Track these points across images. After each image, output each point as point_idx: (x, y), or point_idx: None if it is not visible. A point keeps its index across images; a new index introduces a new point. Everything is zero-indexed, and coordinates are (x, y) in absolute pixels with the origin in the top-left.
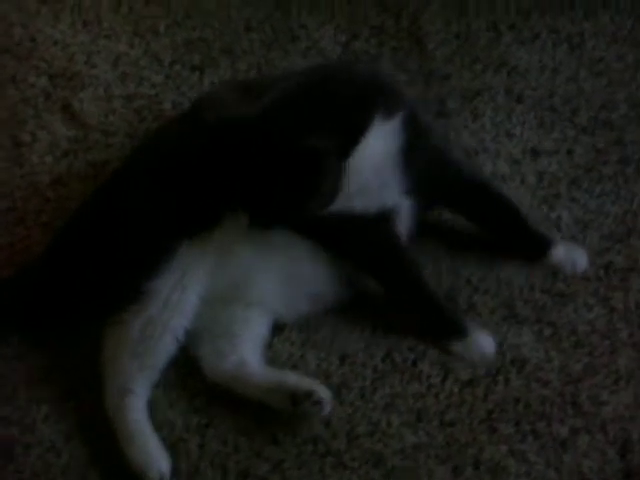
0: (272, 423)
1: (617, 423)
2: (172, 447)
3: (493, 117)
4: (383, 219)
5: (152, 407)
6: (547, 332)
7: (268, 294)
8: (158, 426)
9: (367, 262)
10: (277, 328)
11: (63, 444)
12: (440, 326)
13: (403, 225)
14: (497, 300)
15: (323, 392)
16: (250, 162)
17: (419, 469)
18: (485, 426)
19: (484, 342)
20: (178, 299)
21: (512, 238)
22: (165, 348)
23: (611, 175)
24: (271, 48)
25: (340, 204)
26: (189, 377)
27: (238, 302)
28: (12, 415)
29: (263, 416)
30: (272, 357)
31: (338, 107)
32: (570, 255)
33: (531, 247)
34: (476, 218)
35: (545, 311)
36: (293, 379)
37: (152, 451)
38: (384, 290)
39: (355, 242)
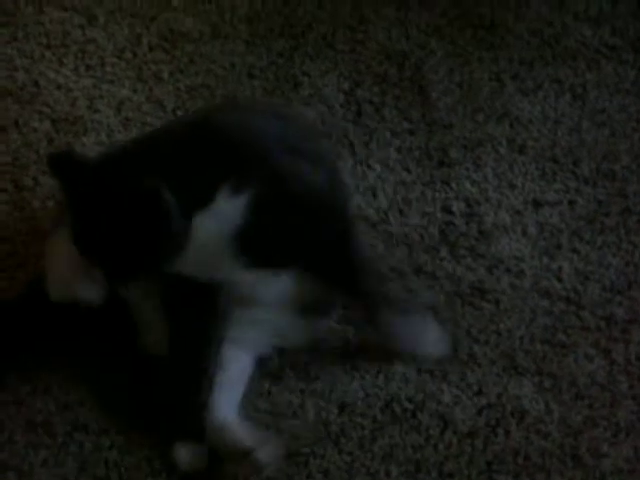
0: (269, 473)
1: (617, 476)
2: None
3: (495, 167)
4: (209, 289)
5: None
6: (547, 383)
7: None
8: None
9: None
10: (275, 377)
11: None
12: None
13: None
14: (497, 351)
15: (264, 452)
16: (91, 207)
17: None
18: (484, 477)
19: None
20: None
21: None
22: None
23: (613, 226)
24: (274, 95)
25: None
26: None
27: None
28: (9, 460)
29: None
30: (270, 405)
31: (191, 161)
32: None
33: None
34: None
35: (545, 362)
36: (240, 435)
37: None
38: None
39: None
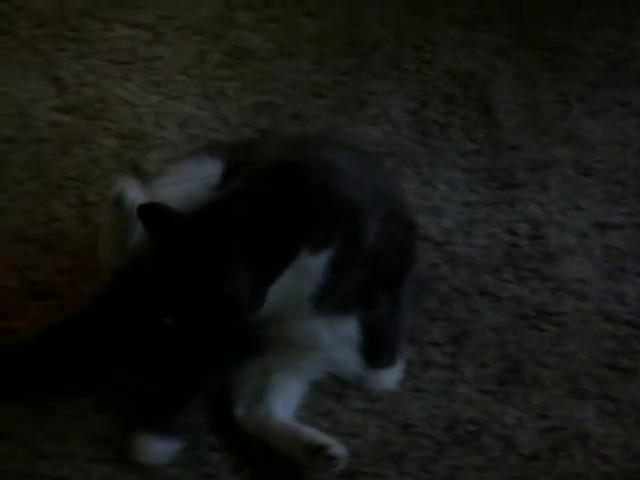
0: None
1: None
2: None
3: (560, 189)
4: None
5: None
6: (610, 407)
7: None
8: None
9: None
10: (338, 396)
11: None
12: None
13: None
14: (561, 374)
15: (337, 448)
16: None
17: None
18: None
19: None
20: None
21: None
22: None
23: None
24: (339, 114)
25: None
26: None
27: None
28: (72, 475)
29: None
30: (332, 424)
31: (272, 220)
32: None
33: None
34: None
35: (609, 386)
36: (309, 433)
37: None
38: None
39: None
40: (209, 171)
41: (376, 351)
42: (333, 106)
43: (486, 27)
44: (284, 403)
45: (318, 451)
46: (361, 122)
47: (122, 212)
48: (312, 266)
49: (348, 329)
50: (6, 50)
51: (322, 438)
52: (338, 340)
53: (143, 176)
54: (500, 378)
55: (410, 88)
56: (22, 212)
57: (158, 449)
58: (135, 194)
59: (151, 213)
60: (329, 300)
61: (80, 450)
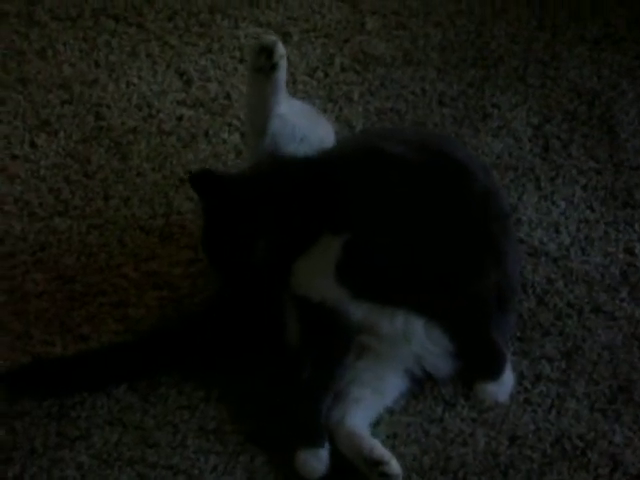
0: None
1: None
2: None
3: None
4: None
5: None
6: None
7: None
8: None
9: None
10: (448, 403)
11: None
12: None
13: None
14: None
15: (392, 466)
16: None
17: None
18: None
19: None
20: None
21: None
22: None
23: None
24: (462, 124)
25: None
26: None
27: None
28: (180, 464)
29: None
30: (441, 431)
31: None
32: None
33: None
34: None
35: None
36: (370, 445)
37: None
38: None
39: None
40: (328, 133)
41: (482, 360)
42: (456, 116)
43: (613, 47)
44: (359, 411)
45: (374, 465)
46: (483, 134)
47: (268, 69)
48: (334, 244)
49: (412, 320)
50: (135, 42)
51: (380, 453)
52: (430, 337)
53: None
54: (610, 396)
55: (534, 103)
56: (143, 202)
57: (320, 459)
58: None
59: (203, 179)
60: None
61: (190, 440)
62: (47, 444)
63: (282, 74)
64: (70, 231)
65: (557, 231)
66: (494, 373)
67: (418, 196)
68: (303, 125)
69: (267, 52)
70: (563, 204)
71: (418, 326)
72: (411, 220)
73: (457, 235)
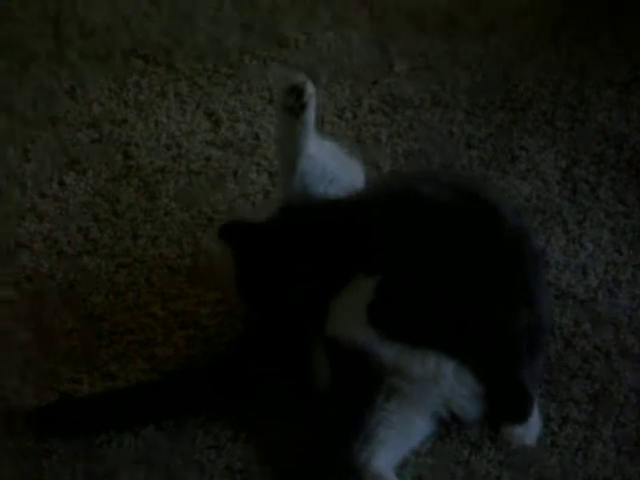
0: None
1: None
2: None
3: None
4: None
5: None
6: None
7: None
8: None
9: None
10: (475, 445)
11: None
12: None
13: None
14: None
15: None
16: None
17: None
18: None
19: None
20: None
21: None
22: None
23: None
24: (490, 167)
25: None
26: None
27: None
28: None
29: None
30: (467, 474)
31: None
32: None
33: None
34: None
35: None
36: None
37: None
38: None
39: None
40: (358, 174)
41: (510, 403)
42: (484, 158)
43: None
44: (385, 453)
45: None
46: (511, 176)
47: (298, 109)
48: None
49: (442, 363)
50: (164, 82)
51: None
52: (460, 379)
53: None
54: (637, 439)
55: (562, 146)
56: (171, 242)
57: None
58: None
59: (233, 231)
60: (392, 326)
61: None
62: None
63: (311, 114)
64: (98, 270)
65: (585, 274)
66: (522, 416)
67: (451, 238)
68: (333, 166)
69: (297, 92)
70: (591, 247)
71: (449, 369)
72: (444, 262)
73: (490, 277)
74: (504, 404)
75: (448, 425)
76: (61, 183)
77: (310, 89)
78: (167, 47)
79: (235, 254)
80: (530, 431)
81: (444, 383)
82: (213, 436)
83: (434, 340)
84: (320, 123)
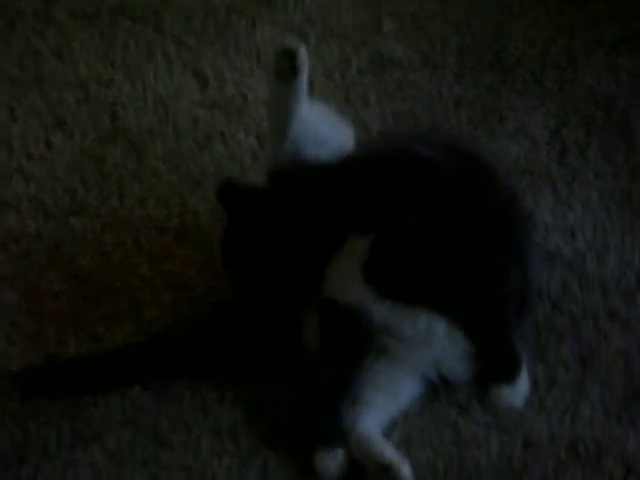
0: None
1: None
2: None
3: None
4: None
5: None
6: None
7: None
8: None
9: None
10: (463, 407)
11: None
12: None
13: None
14: None
15: (403, 471)
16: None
17: None
18: None
19: None
20: None
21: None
22: None
23: None
24: (478, 127)
25: None
26: None
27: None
28: (193, 465)
29: None
30: (455, 435)
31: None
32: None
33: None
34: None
35: None
36: (381, 449)
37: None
38: None
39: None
40: (348, 137)
41: (499, 363)
42: (473, 119)
43: (631, 51)
44: (371, 415)
45: (385, 469)
46: (500, 136)
47: (290, 73)
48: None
49: (434, 321)
50: (151, 42)
51: (391, 457)
52: (450, 339)
53: None
54: (625, 402)
55: (551, 106)
56: (159, 203)
57: (337, 460)
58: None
59: (229, 193)
60: (388, 284)
61: (203, 441)
62: (61, 444)
63: (304, 78)
64: (85, 230)
65: (573, 236)
66: (510, 376)
67: (444, 197)
68: (323, 128)
69: (289, 56)
70: (579, 208)
71: (440, 328)
72: (437, 221)
73: (481, 236)
74: (493, 364)
75: (436, 387)
76: (48, 144)
77: (303, 53)
78: (155, 6)
79: (228, 217)
80: (518, 393)
81: (435, 343)
82: (200, 397)
83: (427, 298)
84: (309, 85)
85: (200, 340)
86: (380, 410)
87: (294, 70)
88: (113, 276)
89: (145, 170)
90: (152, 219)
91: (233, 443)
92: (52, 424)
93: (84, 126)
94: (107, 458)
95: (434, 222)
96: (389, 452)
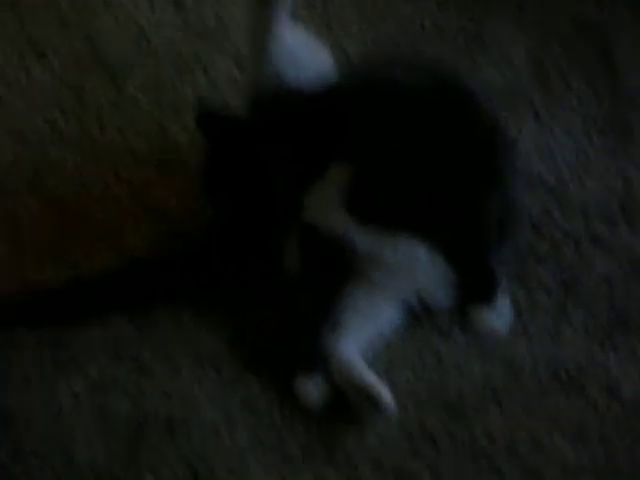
0: (431, 426)
1: None
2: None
3: None
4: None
5: None
6: None
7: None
8: None
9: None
10: (444, 333)
11: (224, 426)
12: None
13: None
14: None
15: (383, 396)
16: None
17: None
18: None
19: None
20: None
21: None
22: None
23: None
24: (461, 56)
25: None
26: None
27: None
28: (175, 392)
29: (422, 419)
30: (436, 360)
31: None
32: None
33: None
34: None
35: None
36: (361, 374)
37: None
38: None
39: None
40: (329, 63)
41: (477, 285)
42: (455, 48)
43: None
44: (351, 339)
45: (365, 394)
46: (482, 65)
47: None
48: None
49: (415, 248)
50: None
51: (371, 380)
52: (432, 265)
53: None
54: (607, 327)
55: (532, 34)
56: (139, 133)
57: (320, 387)
58: None
59: (209, 121)
60: (370, 211)
61: (185, 369)
62: (42, 373)
63: (286, 2)
64: (65, 161)
65: (555, 161)
66: (488, 298)
67: (426, 124)
68: (305, 55)
69: None
70: (561, 135)
71: (422, 254)
72: (419, 147)
73: (464, 162)
74: (472, 288)
75: (417, 313)
76: (27, 74)
77: None
78: None
79: (209, 145)
80: (500, 318)
81: (416, 269)
82: (181, 325)
83: (408, 225)
84: (290, 12)
85: (180, 266)
86: (360, 335)
87: None
88: (93, 206)
89: (125, 100)
90: (132, 149)
91: (215, 370)
92: (33, 354)
93: (63, 57)
94: (88, 386)
95: (417, 149)
96: (369, 377)
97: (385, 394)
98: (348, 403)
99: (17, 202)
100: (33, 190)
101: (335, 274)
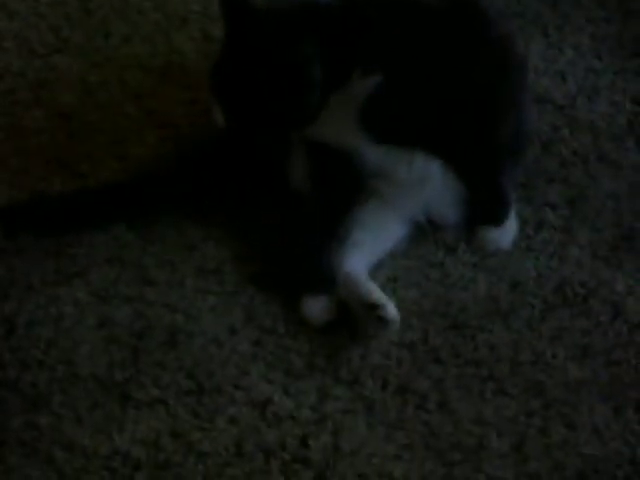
0: (435, 342)
1: None
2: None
3: None
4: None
5: None
6: None
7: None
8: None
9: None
10: (450, 248)
11: (226, 337)
12: None
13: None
14: None
15: (389, 311)
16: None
17: (580, 404)
18: None
19: None
20: None
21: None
22: None
23: None
24: None
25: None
26: None
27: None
28: (178, 303)
29: (427, 335)
30: (442, 276)
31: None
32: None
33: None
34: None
35: None
36: (367, 289)
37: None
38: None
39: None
40: None
41: (489, 206)
42: None
43: None
44: (358, 255)
45: (370, 309)
46: None
47: None
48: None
49: (427, 164)
50: None
51: (377, 296)
52: (443, 183)
53: None
54: (613, 244)
55: None
56: (144, 41)
57: (327, 306)
58: None
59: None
60: (383, 126)
61: (188, 280)
62: (44, 281)
63: None
64: (70, 69)
65: (563, 79)
66: (499, 219)
67: (442, 40)
68: None
69: None
70: (570, 52)
71: (434, 171)
72: (435, 63)
73: (479, 80)
74: (483, 208)
75: (423, 228)
76: None
77: None
78: None
79: (227, 33)
80: (506, 235)
81: (428, 187)
82: (185, 236)
83: (423, 142)
84: None
85: (185, 177)
86: (367, 251)
87: None
88: (98, 114)
89: (130, 8)
90: (137, 57)
91: (218, 282)
92: (36, 261)
93: None
94: (90, 294)
95: (432, 65)
96: (375, 292)
97: (391, 309)
98: (354, 320)
99: (24, 112)
100: (39, 100)
101: (344, 190)
